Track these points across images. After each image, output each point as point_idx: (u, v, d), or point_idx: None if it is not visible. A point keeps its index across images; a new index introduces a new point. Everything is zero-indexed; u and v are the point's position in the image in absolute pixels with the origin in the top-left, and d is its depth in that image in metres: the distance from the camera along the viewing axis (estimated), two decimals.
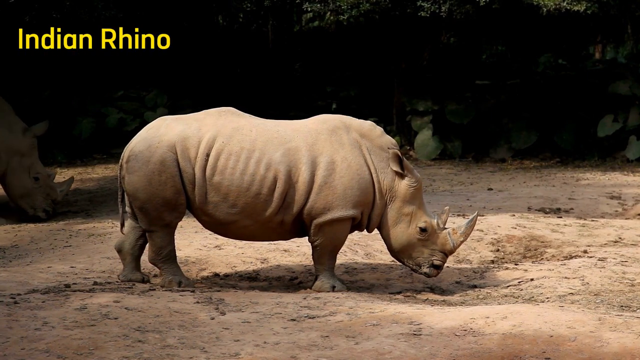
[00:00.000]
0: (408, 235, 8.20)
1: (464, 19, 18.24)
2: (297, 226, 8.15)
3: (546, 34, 21.91)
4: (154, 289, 7.77)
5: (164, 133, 8.00)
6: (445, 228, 8.31)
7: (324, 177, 8.00)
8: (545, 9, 17.32)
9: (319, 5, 18.12)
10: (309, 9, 18.48)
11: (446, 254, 8.30)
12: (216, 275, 8.85)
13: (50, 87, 21.39)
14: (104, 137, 21.01)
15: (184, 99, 20.91)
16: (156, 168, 7.89)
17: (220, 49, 22.26)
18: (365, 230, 8.35)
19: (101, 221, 11.96)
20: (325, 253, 8.18)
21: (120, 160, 8.13)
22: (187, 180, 7.93)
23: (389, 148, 8.22)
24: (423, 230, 8.20)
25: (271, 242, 9.19)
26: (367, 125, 8.33)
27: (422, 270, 8.29)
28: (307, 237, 8.27)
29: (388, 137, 8.35)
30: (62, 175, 18.31)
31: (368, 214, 8.19)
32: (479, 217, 11.48)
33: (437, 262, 8.27)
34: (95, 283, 8.02)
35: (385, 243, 8.36)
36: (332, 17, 20.60)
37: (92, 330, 6.26)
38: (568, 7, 17.19)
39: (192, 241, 9.74)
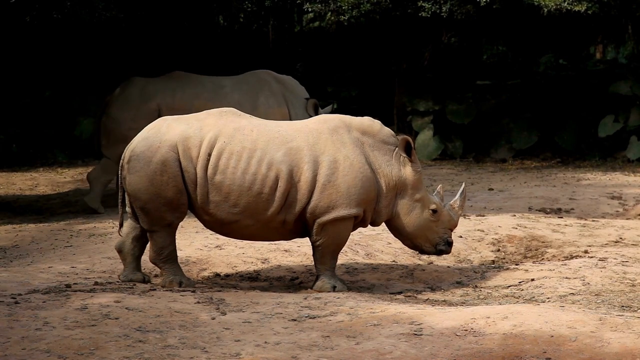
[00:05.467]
0: (424, 220, 8.38)
1: (464, 19, 18.25)
2: (299, 226, 8.15)
3: (547, 34, 21.91)
4: (155, 289, 7.77)
5: (165, 133, 8.00)
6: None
7: (327, 175, 8.01)
8: (546, 9, 17.32)
9: (319, 5, 18.13)
10: (310, 9, 18.49)
11: (451, 229, 8.57)
12: (217, 275, 8.85)
13: (52, 88, 21.41)
14: None
15: None
16: (158, 168, 7.89)
17: (221, 49, 22.28)
18: (370, 225, 8.41)
19: (102, 221, 11.96)
20: (327, 253, 8.18)
21: (121, 161, 8.12)
22: (189, 180, 7.93)
23: (392, 136, 8.37)
24: (434, 212, 8.41)
25: (272, 242, 9.20)
26: (366, 121, 8.38)
27: (439, 248, 8.50)
28: (308, 238, 8.28)
29: (387, 129, 8.45)
30: (62, 175, 18.34)
31: (371, 211, 8.22)
32: (479, 217, 11.50)
33: (449, 239, 8.53)
34: (96, 283, 8.02)
35: (400, 233, 8.44)
36: (332, 18, 20.58)
37: (93, 331, 6.27)
38: (569, 8, 17.19)
39: (193, 241, 9.74)
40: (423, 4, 17.68)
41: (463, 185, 8.86)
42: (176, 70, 14.05)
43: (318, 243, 8.14)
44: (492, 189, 15.14)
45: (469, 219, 11.45)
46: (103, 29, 18.31)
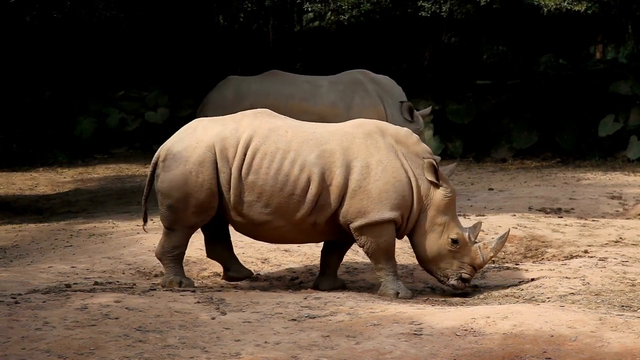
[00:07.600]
0: (439, 246, 8.10)
1: (464, 18, 18.26)
2: (330, 228, 8.06)
3: (547, 34, 21.93)
4: (155, 289, 7.77)
5: (201, 133, 8.02)
6: (476, 242, 8.22)
7: (358, 181, 7.92)
8: (546, 9, 17.33)
9: (319, 5, 18.14)
10: (310, 9, 18.50)
11: (475, 268, 8.19)
12: (217, 275, 8.86)
13: (51, 87, 21.42)
14: (104, 137, 21.04)
15: (184, 98, 20.92)
16: (194, 169, 7.90)
17: (221, 49, 22.28)
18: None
19: (102, 221, 11.96)
20: (378, 257, 8.04)
21: (155, 159, 8.10)
22: (223, 180, 7.93)
23: (424, 157, 8.13)
24: (454, 242, 8.08)
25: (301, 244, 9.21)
26: (403, 132, 8.23)
27: (449, 282, 8.16)
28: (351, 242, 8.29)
29: (424, 145, 8.23)
30: (62, 175, 18.34)
31: (407, 218, 8.06)
32: (479, 217, 11.49)
33: (465, 275, 8.13)
34: (96, 283, 8.03)
35: (415, 250, 8.23)
36: (332, 17, 20.59)
37: (93, 330, 6.27)
38: (569, 7, 17.19)
39: (193, 241, 9.70)
40: (423, 4, 17.69)
41: (508, 230, 8.53)
42: (273, 69, 13.84)
43: (364, 248, 8.06)
44: (492, 189, 15.13)
45: (468, 219, 11.44)
46: (103, 29, 18.32)
